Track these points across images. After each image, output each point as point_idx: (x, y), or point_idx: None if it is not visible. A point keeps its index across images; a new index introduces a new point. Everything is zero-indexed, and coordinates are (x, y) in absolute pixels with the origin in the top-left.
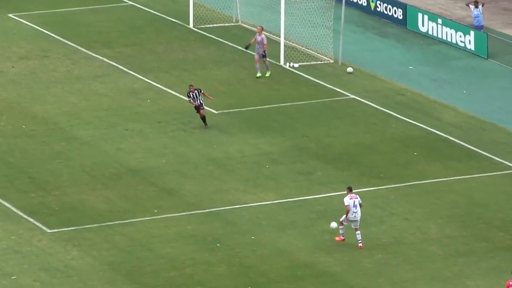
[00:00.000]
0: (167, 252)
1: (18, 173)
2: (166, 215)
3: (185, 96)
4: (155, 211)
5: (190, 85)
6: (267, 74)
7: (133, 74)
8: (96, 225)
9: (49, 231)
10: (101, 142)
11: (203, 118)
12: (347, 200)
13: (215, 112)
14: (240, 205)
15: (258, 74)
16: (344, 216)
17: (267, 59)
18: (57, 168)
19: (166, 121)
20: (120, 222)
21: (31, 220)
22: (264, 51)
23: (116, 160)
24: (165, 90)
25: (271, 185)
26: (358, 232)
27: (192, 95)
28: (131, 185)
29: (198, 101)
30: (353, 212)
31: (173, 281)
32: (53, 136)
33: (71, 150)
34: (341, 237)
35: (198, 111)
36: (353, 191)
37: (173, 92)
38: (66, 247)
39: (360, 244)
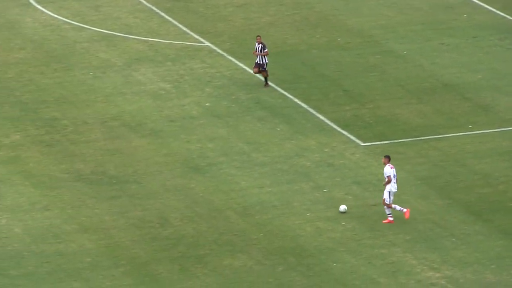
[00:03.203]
0: (481, 168)
1: (333, 85)
2: (481, 131)
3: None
4: (470, 126)
5: (258, 36)
6: None
7: None
8: (409, 139)
9: (362, 144)
10: (416, 56)
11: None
12: (389, 170)
13: None
14: None
15: None
16: (390, 198)
17: None
18: (371, 81)
19: (482, 36)
20: (433, 136)
21: (345, 133)
22: None
23: (431, 75)
24: (482, 6)
25: None
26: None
27: (257, 46)
28: (445, 100)
29: (259, 59)
30: (394, 182)
31: (486, 197)
32: (368, 49)
33: (386, 64)
34: (391, 218)
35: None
36: None
37: (490, 8)
38: (379, 160)
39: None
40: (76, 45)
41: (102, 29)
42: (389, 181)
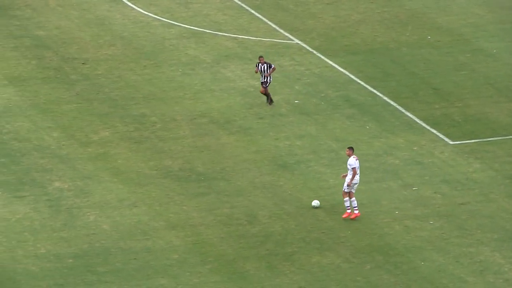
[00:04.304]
0: None
1: (422, 83)
2: None
3: None
4: None
5: (260, 57)
6: None
7: None
8: (498, 138)
9: (451, 142)
10: (506, 55)
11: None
12: (354, 162)
13: None
14: None
15: None
16: (346, 185)
17: None
18: (461, 80)
19: None
20: None
21: (434, 131)
22: None
23: None
24: None
25: None
26: (354, 198)
27: (261, 67)
28: None
29: (264, 77)
30: (357, 174)
31: None
32: (458, 47)
33: (476, 62)
34: (348, 211)
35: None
36: None
37: None
38: (468, 159)
39: (356, 212)
40: (165, 42)
41: (192, 26)
42: (354, 173)
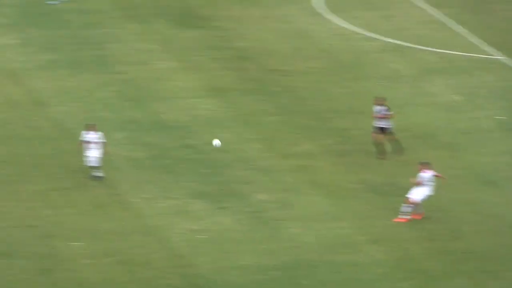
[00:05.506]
0: None
1: None
2: None
3: None
4: None
5: (377, 98)
6: None
7: None
8: None
9: None
10: None
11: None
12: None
13: None
14: None
15: None
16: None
17: None
18: None
19: None
20: None
21: None
22: None
23: None
24: None
25: None
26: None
27: (376, 109)
28: None
29: (382, 121)
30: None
31: None
32: None
33: None
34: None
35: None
36: None
37: None
38: None
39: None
40: (367, 55)
41: (393, 39)
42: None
